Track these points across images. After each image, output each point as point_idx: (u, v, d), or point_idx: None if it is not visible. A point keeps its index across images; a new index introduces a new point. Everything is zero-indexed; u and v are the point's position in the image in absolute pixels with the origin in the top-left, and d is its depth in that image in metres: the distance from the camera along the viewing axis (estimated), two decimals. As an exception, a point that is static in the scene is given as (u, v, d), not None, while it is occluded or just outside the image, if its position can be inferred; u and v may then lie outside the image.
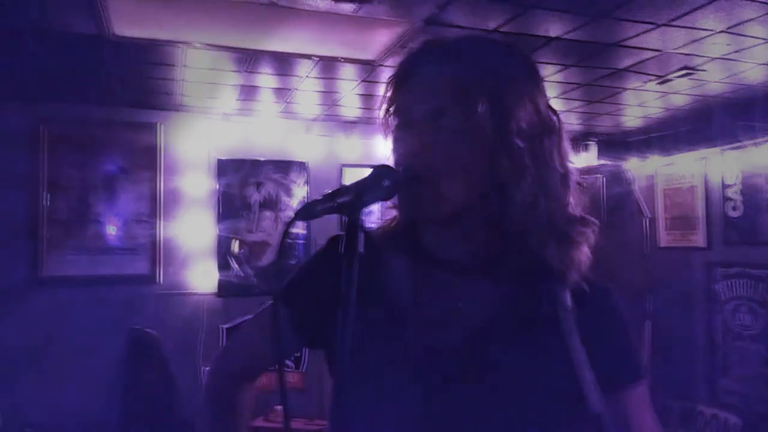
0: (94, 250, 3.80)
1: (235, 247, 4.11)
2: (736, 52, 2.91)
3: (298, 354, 3.82)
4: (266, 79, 3.36)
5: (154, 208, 3.92)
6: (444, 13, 2.42)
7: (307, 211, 0.80)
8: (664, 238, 4.44)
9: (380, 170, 0.88)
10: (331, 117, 4.18)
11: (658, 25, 2.57)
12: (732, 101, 3.70)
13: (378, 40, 2.78)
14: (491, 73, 0.92)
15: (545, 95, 0.96)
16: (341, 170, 4.33)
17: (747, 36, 2.69)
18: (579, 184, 0.98)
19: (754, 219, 3.83)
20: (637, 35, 2.68)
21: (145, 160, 3.90)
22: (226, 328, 4.00)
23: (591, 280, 0.95)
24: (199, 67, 3.13)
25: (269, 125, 4.15)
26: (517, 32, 2.64)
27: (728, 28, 2.60)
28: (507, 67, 0.95)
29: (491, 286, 0.95)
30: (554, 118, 0.96)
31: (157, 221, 3.92)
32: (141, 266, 3.89)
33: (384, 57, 2.95)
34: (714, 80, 3.36)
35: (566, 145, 0.97)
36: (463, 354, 0.91)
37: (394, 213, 1.04)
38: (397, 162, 0.96)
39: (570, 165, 0.97)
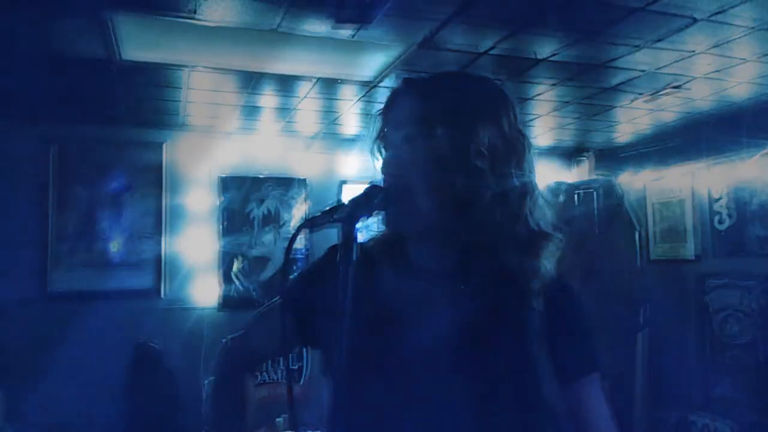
0: (100, 265, 3.89)
1: (237, 262, 4.21)
2: (719, 71, 3.04)
3: (297, 351, 3.86)
4: (267, 99, 3.48)
5: (158, 224, 4.03)
6: (437, 37, 2.55)
7: (309, 223, 0.96)
8: (654, 251, 4.55)
9: (371, 189, 1.02)
10: (330, 134, 4.31)
11: (642, 47, 2.70)
12: (717, 117, 3.83)
13: (374, 62, 2.91)
14: (453, 103, 1.05)
15: (513, 118, 1.07)
16: (341, 186, 4.45)
17: (729, 56, 2.82)
18: (545, 200, 1.09)
19: (741, 231, 3.94)
20: (625, 55, 2.81)
21: (151, 178, 4.02)
22: (228, 342, 4.08)
23: (556, 281, 1.06)
24: (202, 88, 3.26)
25: (270, 143, 4.27)
26: (508, 54, 2.77)
27: (711, 48, 2.72)
28: (469, 97, 1.07)
29: (464, 292, 1.06)
30: (521, 139, 1.07)
31: (162, 237, 4.02)
32: (145, 281, 3.99)
33: (381, 77, 3.07)
34: (700, 97, 3.49)
35: (531, 164, 1.08)
36: (439, 352, 1.02)
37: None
38: (384, 181, 1.08)
39: (534, 183, 1.07)
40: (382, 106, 1.14)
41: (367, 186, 1.02)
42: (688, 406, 4.17)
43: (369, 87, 3.24)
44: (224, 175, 4.21)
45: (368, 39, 2.56)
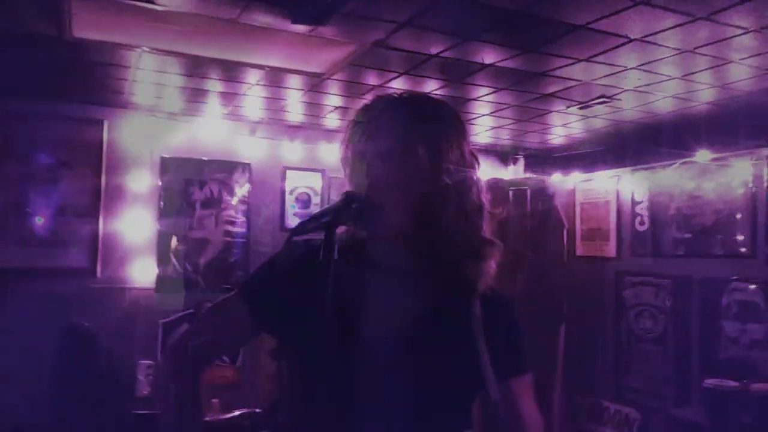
0: (33, 242, 3.80)
1: (175, 243, 4.19)
2: (647, 85, 3.27)
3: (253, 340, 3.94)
4: (215, 84, 3.48)
5: (95, 202, 3.95)
6: (391, 39, 2.64)
7: (301, 230, 1.06)
8: (580, 248, 4.84)
9: (349, 197, 1.11)
10: (276, 121, 4.33)
11: (580, 60, 2.88)
12: (642, 127, 4.10)
13: (328, 57, 2.97)
14: (433, 125, 1.19)
15: (469, 142, 1.24)
16: (284, 172, 4.49)
17: (657, 73, 3.05)
18: (490, 213, 1.25)
19: (658, 233, 4.26)
20: (562, 67, 2.99)
21: (89, 155, 3.93)
22: (164, 323, 4.08)
23: (495, 291, 1.23)
24: (150, 69, 3.22)
25: (214, 126, 4.26)
26: (456, 58, 2.89)
27: (640, 65, 2.93)
28: (442, 121, 1.22)
29: (420, 290, 1.19)
30: (475, 161, 1.23)
31: (99, 215, 3.96)
32: (80, 260, 3.92)
33: (332, 71, 3.14)
34: (627, 108, 3.73)
35: (481, 182, 1.25)
36: (394, 344, 1.14)
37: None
38: (357, 189, 1.18)
39: (483, 198, 1.23)
40: (363, 118, 1.23)
41: (344, 194, 1.11)
42: (602, 393, 4.49)
43: (319, 80, 3.30)
44: (166, 156, 4.17)
45: (324, 35, 2.62)
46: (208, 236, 4.28)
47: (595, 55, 2.82)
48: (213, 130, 4.26)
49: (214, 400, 3.82)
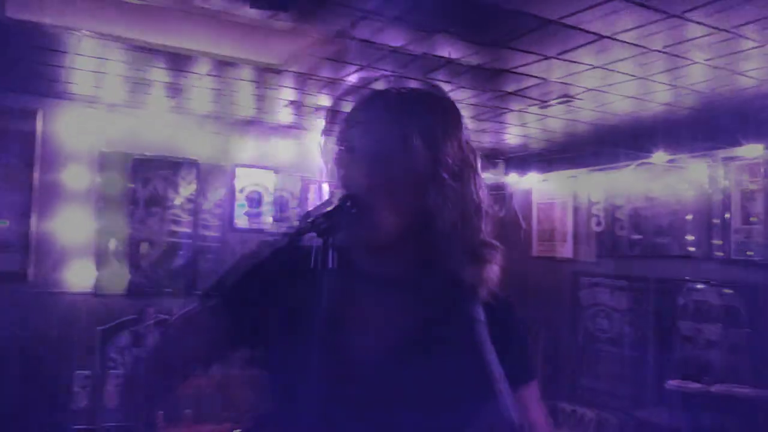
0: (-44, 243, 3.48)
1: (116, 244, 3.93)
2: (609, 85, 3.24)
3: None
4: (161, 73, 3.26)
5: (27, 200, 3.65)
6: (354, 29, 2.50)
7: (297, 235, 0.95)
8: (537, 248, 4.81)
9: (346, 198, 1.00)
10: (227, 115, 4.12)
11: (548, 57, 2.81)
12: (600, 128, 4.10)
13: (285, 47, 2.80)
14: (426, 118, 1.07)
15: (467, 135, 1.12)
16: (234, 170, 4.28)
17: (621, 72, 3.01)
18: (487, 212, 1.13)
19: (614, 234, 4.27)
20: (528, 64, 2.92)
21: (21, 148, 3.63)
22: (102, 330, 3.81)
23: (497, 294, 1.11)
24: (90, 55, 2.98)
25: (159, 119, 4.01)
26: (420, 52, 2.78)
27: (606, 64, 2.89)
28: (438, 112, 1.10)
29: (416, 300, 1.07)
30: (472, 155, 1.11)
31: (31, 214, 3.66)
32: (10, 263, 3.61)
33: (290, 62, 2.98)
34: (586, 108, 3.71)
35: (481, 178, 1.12)
36: (393, 358, 1.03)
37: None
38: (346, 188, 1.05)
39: (483, 195, 1.11)
40: (347, 110, 1.13)
41: (335, 195, 1.02)
42: (559, 394, 4.48)
43: (275, 71, 3.13)
44: (106, 150, 3.90)
45: (283, 24, 2.46)
46: (152, 237, 4.03)
47: (563, 53, 2.76)
48: (158, 124, 4.01)
49: (187, 411, 3.59)
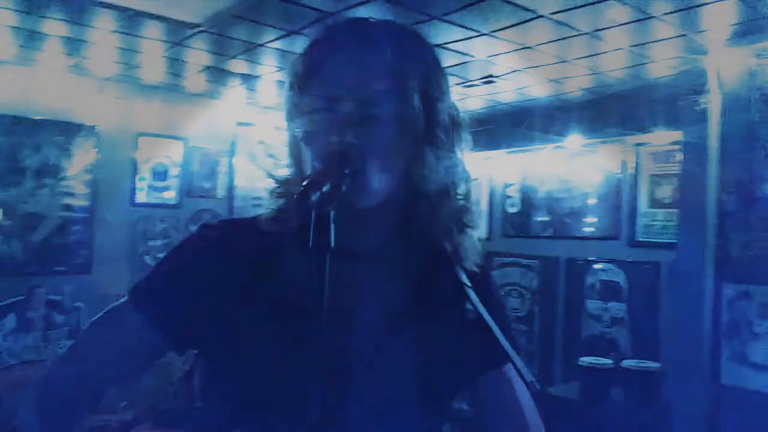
0: None
1: (1, 217, 3.51)
2: (535, 67, 3.27)
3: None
4: (57, 25, 2.90)
5: None
6: (287, -11, 2.34)
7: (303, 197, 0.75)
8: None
9: (334, 157, 0.83)
10: (131, 79, 3.77)
11: (482, 34, 2.77)
12: (517, 110, 4.16)
13: (207, 5, 2.58)
14: (424, 65, 0.92)
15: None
16: (137, 138, 3.94)
17: (550, 54, 3.04)
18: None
19: (527, 215, 4.37)
20: (462, 40, 2.86)
21: None
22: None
23: (479, 263, 1.01)
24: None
25: (54, 79, 3.60)
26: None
27: (541, 44, 2.90)
28: (434, 59, 0.96)
29: (403, 274, 0.96)
30: (456, 111, 0.98)
31: None
32: None
33: (212, 23, 2.74)
34: (507, 90, 3.74)
35: (467, 137, 0.99)
36: (382, 336, 0.93)
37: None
38: (318, 148, 0.89)
39: (468, 156, 1.00)
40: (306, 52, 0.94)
41: (337, 156, 0.83)
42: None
43: (192, 31, 2.88)
44: (-11, 112, 3.46)
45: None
46: (43, 210, 3.64)
47: (498, 30, 2.73)
48: (52, 85, 3.60)
49: (122, 404, 3.24)
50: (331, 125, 0.87)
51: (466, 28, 2.72)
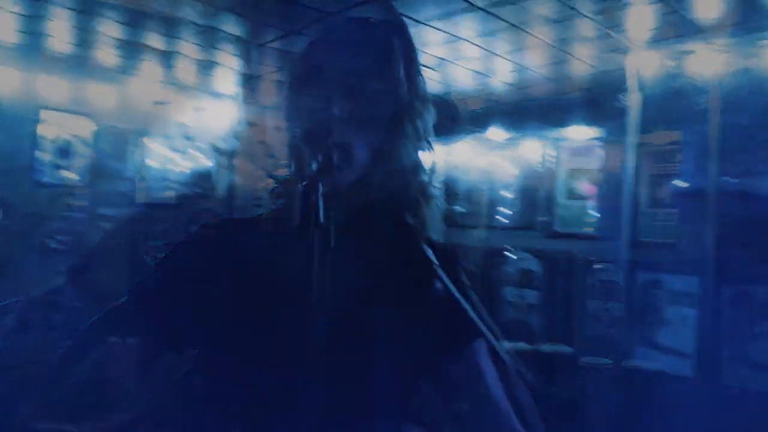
0: None
1: None
2: (465, 59, 3.29)
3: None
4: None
5: None
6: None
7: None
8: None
9: (320, 139, 0.89)
10: (34, 48, 3.46)
11: (418, 22, 2.76)
12: (442, 102, 4.19)
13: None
14: (410, 52, 1.02)
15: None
16: (38, 112, 3.63)
17: (479, 47, 3.07)
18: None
19: (447, 207, 4.43)
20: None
21: None
22: None
23: (442, 238, 1.07)
24: None
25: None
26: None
27: (474, 36, 2.91)
28: (413, 47, 1.05)
29: (368, 247, 0.97)
30: (425, 88, 1.05)
31: None
32: None
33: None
34: (434, 80, 3.76)
35: (433, 112, 1.08)
36: (353, 311, 0.94)
37: None
38: (312, 128, 0.94)
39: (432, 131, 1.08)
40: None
41: (312, 135, 0.90)
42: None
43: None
44: None
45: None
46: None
47: (433, 19, 2.73)
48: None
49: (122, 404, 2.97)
50: (327, 123, 0.93)
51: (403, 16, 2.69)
